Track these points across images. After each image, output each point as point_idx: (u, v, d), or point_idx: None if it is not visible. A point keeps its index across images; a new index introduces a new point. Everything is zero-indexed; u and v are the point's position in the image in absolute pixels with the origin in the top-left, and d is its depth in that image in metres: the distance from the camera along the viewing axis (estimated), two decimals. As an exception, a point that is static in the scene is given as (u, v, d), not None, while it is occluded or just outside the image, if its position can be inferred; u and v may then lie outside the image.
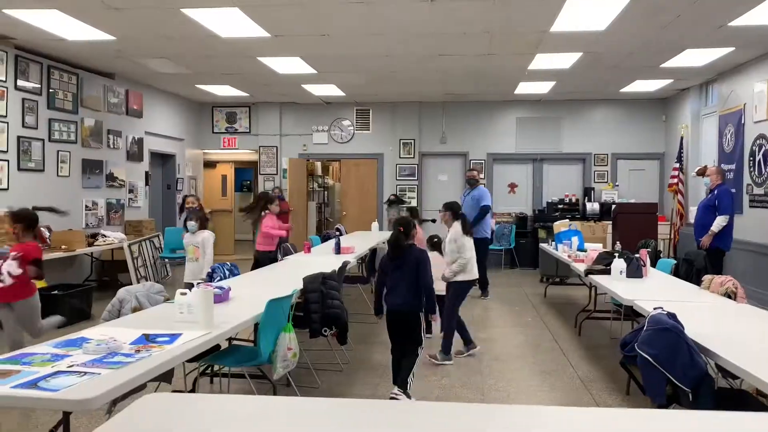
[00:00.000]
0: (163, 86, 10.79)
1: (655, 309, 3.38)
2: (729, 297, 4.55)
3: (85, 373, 2.48)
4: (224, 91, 11.08)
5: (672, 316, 3.27)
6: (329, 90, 10.91)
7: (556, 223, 9.49)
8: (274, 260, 6.52)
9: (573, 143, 11.99)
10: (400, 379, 4.26)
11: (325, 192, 15.16)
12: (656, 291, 4.89)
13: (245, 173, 16.41)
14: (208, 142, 12.80)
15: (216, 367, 4.35)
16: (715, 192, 6.95)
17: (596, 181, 11.96)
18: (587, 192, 11.81)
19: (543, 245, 8.84)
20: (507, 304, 8.24)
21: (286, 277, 5.09)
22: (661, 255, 8.81)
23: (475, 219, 8.15)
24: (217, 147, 12.87)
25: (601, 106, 11.95)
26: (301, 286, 4.59)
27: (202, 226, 5.95)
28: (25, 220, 4.78)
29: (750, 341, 3.27)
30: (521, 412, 2.13)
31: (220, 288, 4.08)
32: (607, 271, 5.53)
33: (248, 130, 12.70)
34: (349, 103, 12.31)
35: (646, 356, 3.05)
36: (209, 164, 13.83)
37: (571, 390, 4.76)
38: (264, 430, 1.93)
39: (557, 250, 7.69)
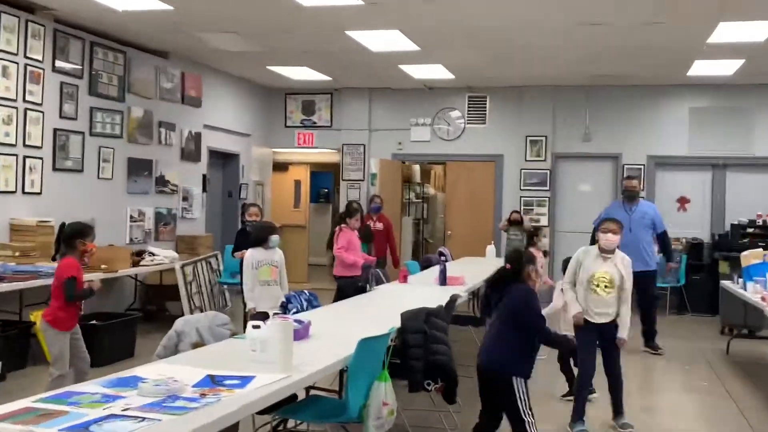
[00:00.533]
0: (227, 68, 11.35)
1: None
2: None
3: (144, 418, 2.67)
4: (301, 73, 11.51)
5: None
6: (434, 72, 11.07)
7: (744, 253, 9.09)
8: (362, 290, 6.68)
9: (768, 143, 11.50)
10: None
11: (425, 204, 15.32)
12: None
13: (324, 178, 16.87)
14: (280, 139, 13.30)
15: (291, 423, 4.51)
16: None
17: (803, 195, 11.38)
18: (790, 211, 11.26)
19: (725, 283, 8.52)
20: (674, 361, 7.98)
21: (379, 312, 5.22)
22: None
23: (663, 247, 8.74)
24: (290, 145, 13.35)
25: (811, 93, 11.38)
26: (398, 323, 4.69)
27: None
28: (64, 233, 5.33)
29: None
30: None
31: (299, 322, 4.25)
32: (822, 321, 5.25)
33: (329, 124, 13.10)
34: (459, 88, 12.42)
35: None
36: (280, 166, 14.34)
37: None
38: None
39: (745, 290, 7.41)
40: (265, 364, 3.46)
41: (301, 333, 4.21)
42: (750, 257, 8.36)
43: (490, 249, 10.74)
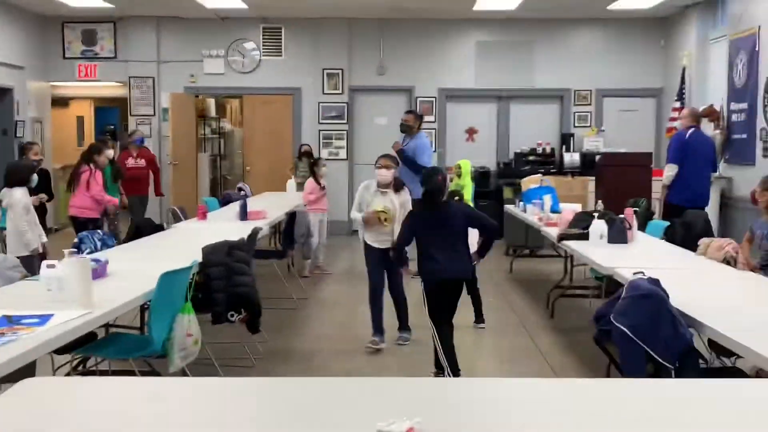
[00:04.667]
0: (-7, -8, 10.53)
1: (635, 274, 3.83)
2: (729, 263, 5.10)
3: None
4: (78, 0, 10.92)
5: (655, 282, 3.72)
6: (226, 0, 10.92)
7: (524, 179, 9.99)
8: (159, 228, 6.66)
9: (548, 76, 12.51)
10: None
11: (222, 140, 15.21)
12: (643, 258, 5.36)
13: (110, 114, 16.22)
14: (59, 72, 12.59)
15: (93, 361, 4.55)
16: None
17: (577, 125, 12.58)
18: (565, 139, 12.41)
19: (508, 207, 9.32)
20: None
21: (178, 249, 5.31)
22: (655, 217, 9.47)
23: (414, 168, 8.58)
24: (70, 78, 12.69)
25: (583, 28, 12.50)
26: (199, 258, 4.83)
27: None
28: None
29: (750, 313, 3.74)
30: (479, 385, 2.49)
31: (96, 261, 4.27)
32: (585, 236, 6.01)
33: (113, 55, 12.56)
34: (253, 18, 12.35)
35: (623, 328, 3.49)
36: (60, 101, 13.60)
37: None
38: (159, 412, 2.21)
39: (525, 212, 8.16)
40: (63, 303, 3.50)
41: (98, 272, 4.23)
42: (528, 182, 9.24)
43: (291, 183, 10.98)
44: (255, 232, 6.00)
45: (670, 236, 6.74)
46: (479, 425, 2.13)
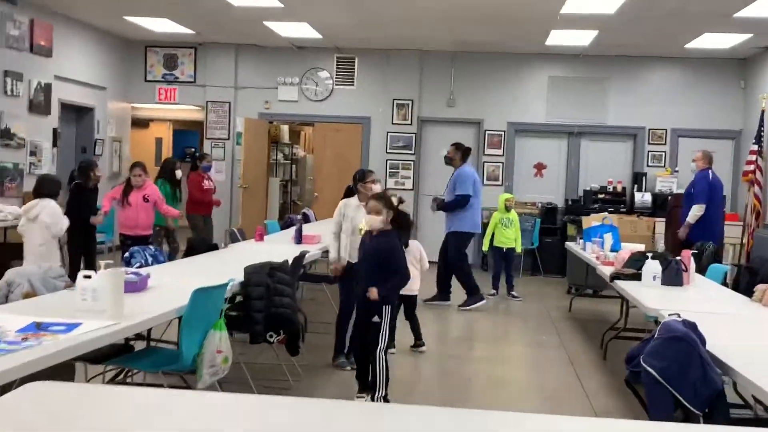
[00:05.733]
0: (81, 16, 11.04)
1: (669, 315, 3.70)
2: (785, 311, 4.87)
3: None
4: (162, 25, 11.35)
5: (691, 325, 3.59)
6: (301, 30, 11.19)
7: (587, 217, 9.81)
8: (214, 247, 6.80)
9: (622, 114, 12.32)
10: None
11: (294, 166, 15.48)
12: (693, 301, 5.21)
13: (188, 137, 16.69)
14: (140, 94, 13.07)
15: (129, 374, 4.66)
16: (694, 178, 8.69)
17: (650, 164, 12.30)
18: (637, 179, 12.14)
19: (569, 244, 9.17)
20: (519, 319, 8.59)
21: (226, 268, 5.38)
22: (723, 262, 9.14)
23: (450, 207, 8.87)
24: (151, 100, 13.15)
25: (659, 67, 12.26)
26: (242, 277, 4.90)
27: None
28: None
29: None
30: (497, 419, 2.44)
31: (136, 274, 4.39)
32: (638, 277, 5.84)
33: (193, 80, 12.98)
34: (327, 48, 12.60)
35: (651, 370, 3.37)
36: (140, 122, 14.10)
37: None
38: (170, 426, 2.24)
39: (585, 250, 8.01)
40: (94, 313, 3.61)
41: (138, 285, 4.35)
42: (591, 220, 9.07)
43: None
44: (302, 255, 6.05)
45: (735, 282, 6.53)
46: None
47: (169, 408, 2.43)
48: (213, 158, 12.58)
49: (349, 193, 6.88)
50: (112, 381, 4.58)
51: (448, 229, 8.93)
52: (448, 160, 9.13)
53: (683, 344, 3.39)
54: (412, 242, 6.69)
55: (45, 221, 6.58)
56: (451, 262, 8.82)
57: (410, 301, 6.67)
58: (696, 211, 8.37)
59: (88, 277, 3.76)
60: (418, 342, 6.78)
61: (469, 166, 9.17)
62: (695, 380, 3.30)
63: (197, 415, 2.39)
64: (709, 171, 8.57)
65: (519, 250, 9.68)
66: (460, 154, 9.01)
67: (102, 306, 3.64)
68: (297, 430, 2.26)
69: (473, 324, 8.22)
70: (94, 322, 3.47)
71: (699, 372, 3.31)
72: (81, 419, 2.25)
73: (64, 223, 6.65)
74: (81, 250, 8.14)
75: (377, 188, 6.07)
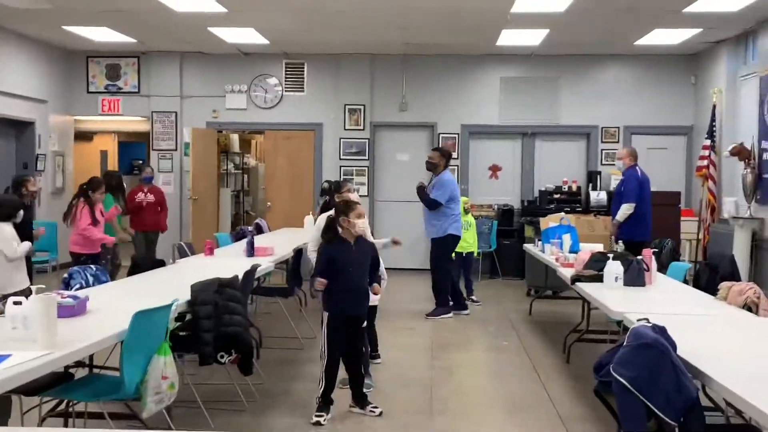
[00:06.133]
0: (18, 27, 10.64)
1: (638, 320, 3.56)
2: (750, 309, 4.78)
3: None
4: (103, 35, 10.99)
5: (660, 329, 3.45)
6: (247, 36, 10.92)
7: (544, 218, 9.74)
8: (161, 264, 6.52)
9: (574, 113, 12.28)
10: None
11: (245, 175, 15.17)
12: (657, 302, 5.12)
13: (135, 149, 16.31)
14: (82, 106, 12.67)
15: (70, 403, 4.37)
16: (623, 176, 8.66)
17: (604, 162, 12.26)
18: (592, 177, 12.13)
19: (527, 246, 9.06)
20: (479, 324, 8.45)
21: (171, 286, 5.13)
22: (681, 258, 9.13)
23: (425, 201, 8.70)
24: (94, 112, 12.75)
25: (610, 64, 12.26)
26: (188, 296, 4.65)
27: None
28: None
29: (764, 365, 3.46)
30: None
31: (74, 297, 4.11)
32: (600, 278, 5.73)
33: (137, 90, 12.62)
34: (276, 54, 12.35)
35: (621, 380, 3.22)
36: (83, 135, 13.68)
37: (546, 430, 4.96)
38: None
39: (544, 251, 7.90)
40: (25, 342, 3.36)
41: (76, 309, 4.09)
42: (548, 220, 8.98)
43: (308, 219, 10.79)
44: (253, 268, 5.81)
45: (694, 279, 6.47)
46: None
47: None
48: (161, 170, 12.37)
49: (326, 207, 6.70)
50: (52, 412, 4.28)
51: (429, 236, 8.82)
52: (432, 166, 8.87)
53: (654, 351, 3.24)
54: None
55: None
56: (436, 266, 8.73)
57: (371, 312, 6.44)
58: (625, 210, 8.38)
59: (19, 303, 3.51)
60: (374, 354, 6.57)
61: (449, 174, 9.00)
62: (668, 388, 3.16)
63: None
64: (637, 168, 8.57)
65: (476, 253, 9.56)
66: (444, 160, 8.85)
67: (33, 335, 3.38)
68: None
69: (433, 331, 8.05)
70: (24, 353, 3.21)
71: (672, 379, 3.17)
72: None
73: (21, 247, 6.11)
74: None
75: (354, 197, 6.01)
